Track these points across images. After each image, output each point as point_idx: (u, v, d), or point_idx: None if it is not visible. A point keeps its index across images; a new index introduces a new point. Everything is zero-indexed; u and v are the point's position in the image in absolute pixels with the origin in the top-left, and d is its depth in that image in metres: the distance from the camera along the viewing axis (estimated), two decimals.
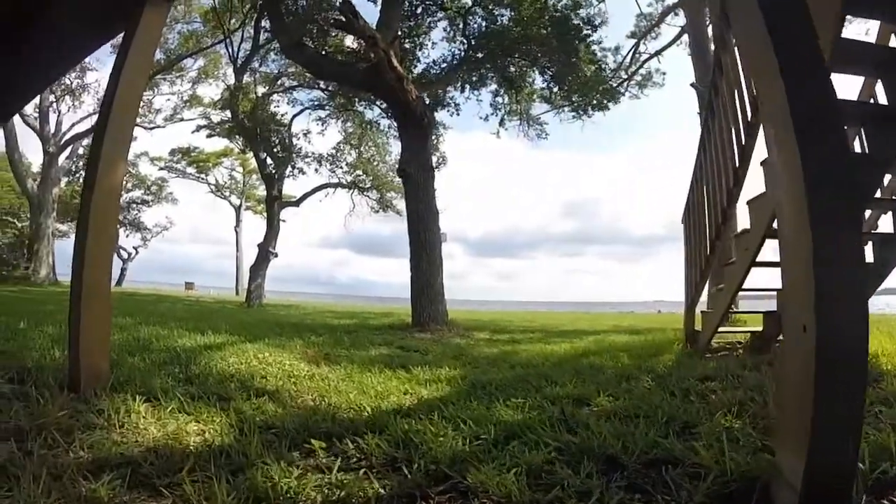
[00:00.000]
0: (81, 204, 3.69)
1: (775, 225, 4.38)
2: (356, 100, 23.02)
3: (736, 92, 5.28)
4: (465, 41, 16.47)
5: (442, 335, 9.86)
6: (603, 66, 17.52)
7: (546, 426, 2.93)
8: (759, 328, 6.13)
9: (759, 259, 5.20)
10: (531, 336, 10.25)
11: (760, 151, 5.10)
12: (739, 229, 5.77)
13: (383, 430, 2.89)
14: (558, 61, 15.35)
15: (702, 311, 6.60)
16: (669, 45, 21.96)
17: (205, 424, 2.94)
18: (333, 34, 16.39)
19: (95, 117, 31.32)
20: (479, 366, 5.75)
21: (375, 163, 27.83)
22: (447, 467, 2.35)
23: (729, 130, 5.55)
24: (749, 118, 5.12)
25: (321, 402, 3.72)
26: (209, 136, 35.37)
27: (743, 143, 5.21)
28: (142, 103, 27.02)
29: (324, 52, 14.93)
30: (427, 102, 13.47)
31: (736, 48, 5.18)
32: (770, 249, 5.11)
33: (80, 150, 38.37)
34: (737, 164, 5.37)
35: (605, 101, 17.34)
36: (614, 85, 18.73)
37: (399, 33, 14.78)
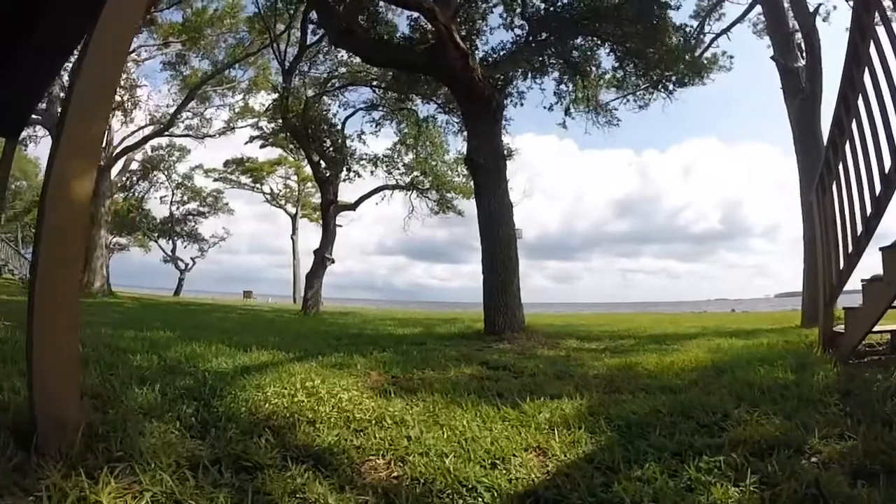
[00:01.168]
0: (41, 197, 2.56)
1: None
2: (410, 96, 21.88)
3: None
4: (525, 24, 15.07)
5: (524, 345, 8.50)
6: (689, 33, 15.84)
7: None
8: None
9: None
10: (624, 343, 8.85)
11: None
12: None
13: None
14: (635, 34, 13.78)
15: (845, 309, 5.43)
16: (737, 21, 20.05)
17: None
18: (385, 21, 15.26)
19: (145, 130, 31.77)
20: (597, 389, 4.37)
21: (434, 162, 26.51)
22: None
23: None
24: None
25: (402, 474, 2.45)
26: (262, 146, 35.27)
27: None
28: (193, 115, 27.01)
29: (376, 39, 13.73)
30: (494, 85, 12.11)
31: None
32: None
33: (134, 165, 38.83)
34: None
35: (690, 75, 15.62)
36: (696, 56, 16.83)
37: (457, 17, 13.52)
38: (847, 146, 5.21)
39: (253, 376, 4.48)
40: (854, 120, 5.08)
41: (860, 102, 4.96)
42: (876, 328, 5.37)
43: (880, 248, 4.86)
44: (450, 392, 4.15)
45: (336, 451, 2.75)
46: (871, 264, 5.15)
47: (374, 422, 3.27)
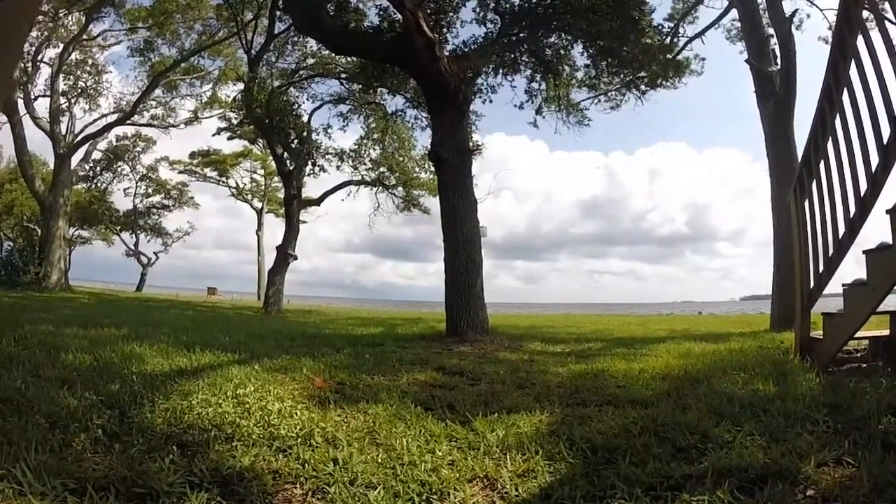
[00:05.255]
0: None
1: None
2: (378, 88, 21.48)
3: None
4: (497, 19, 14.69)
5: (486, 348, 8.09)
6: (663, 35, 15.62)
7: None
8: (884, 332, 5.21)
9: None
10: (591, 347, 8.52)
11: None
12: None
13: None
14: (609, 31, 13.45)
15: (824, 314, 5.11)
16: (712, 25, 20.01)
17: None
18: (353, 9, 14.80)
19: (109, 118, 30.82)
20: (560, 401, 3.94)
21: (400, 158, 26.18)
22: None
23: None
24: None
25: None
26: (230, 138, 34.58)
27: None
28: (158, 104, 26.40)
29: (343, 26, 13.25)
30: (462, 77, 11.70)
31: None
32: None
33: (97, 155, 37.83)
34: None
35: (663, 76, 15.43)
36: (669, 58, 16.63)
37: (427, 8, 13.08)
38: (829, 143, 4.95)
39: (185, 381, 4.07)
40: (838, 116, 4.82)
41: (845, 98, 4.72)
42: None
43: (864, 251, 4.62)
44: (396, 403, 3.69)
45: (248, 475, 2.33)
46: (847, 268, 5.02)
47: (300, 439, 2.82)
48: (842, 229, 4.75)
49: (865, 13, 4.94)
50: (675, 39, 19.45)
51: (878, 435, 2.71)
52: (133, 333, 6.95)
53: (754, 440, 2.73)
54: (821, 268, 5.17)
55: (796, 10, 14.84)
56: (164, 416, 3.10)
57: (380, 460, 2.53)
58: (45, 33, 28.02)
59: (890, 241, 4.28)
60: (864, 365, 5.03)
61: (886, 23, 4.52)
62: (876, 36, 4.45)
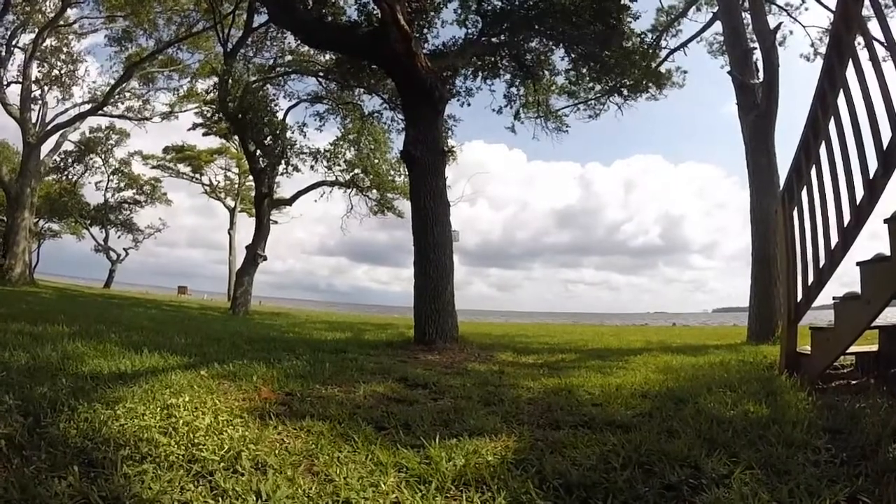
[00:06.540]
0: None
1: None
2: (355, 88, 21.12)
3: None
4: (479, 20, 14.37)
5: (454, 357, 7.71)
6: (647, 44, 15.48)
7: None
8: (872, 347, 5.21)
9: None
10: (564, 358, 8.17)
11: None
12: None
13: None
14: (591, 35, 13.12)
15: (813, 328, 4.94)
16: (695, 36, 20.27)
17: None
18: (331, 3, 14.41)
19: (83, 108, 29.98)
20: (530, 422, 3.55)
21: (376, 160, 25.75)
22: None
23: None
24: None
25: None
26: (205, 133, 34.06)
27: None
28: (134, 96, 25.80)
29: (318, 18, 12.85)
30: (438, 75, 11.27)
31: None
32: None
33: (69, 146, 36.99)
34: None
35: (645, 82, 15.25)
36: (654, 65, 16.43)
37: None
38: (823, 148, 4.68)
39: (119, 386, 3.68)
40: (833, 119, 4.56)
41: (841, 100, 4.47)
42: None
43: (857, 263, 4.37)
44: (345, 420, 3.27)
45: None
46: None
47: (225, 463, 2.39)
48: (834, 239, 4.51)
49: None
50: (658, 51, 19.40)
51: (891, 466, 2.43)
52: (83, 331, 6.65)
53: (754, 474, 2.38)
54: (810, 280, 4.92)
55: (781, 24, 14.83)
56: (81, 426, 2.73)
57: (311, 494, 2.11)
58: (22, 17, 27.36)
59: (886, 252, 4.00)
60: (854, 382, 4.81)
61: (888, 18, 4.25)
62: (876, 34, 4.23)
